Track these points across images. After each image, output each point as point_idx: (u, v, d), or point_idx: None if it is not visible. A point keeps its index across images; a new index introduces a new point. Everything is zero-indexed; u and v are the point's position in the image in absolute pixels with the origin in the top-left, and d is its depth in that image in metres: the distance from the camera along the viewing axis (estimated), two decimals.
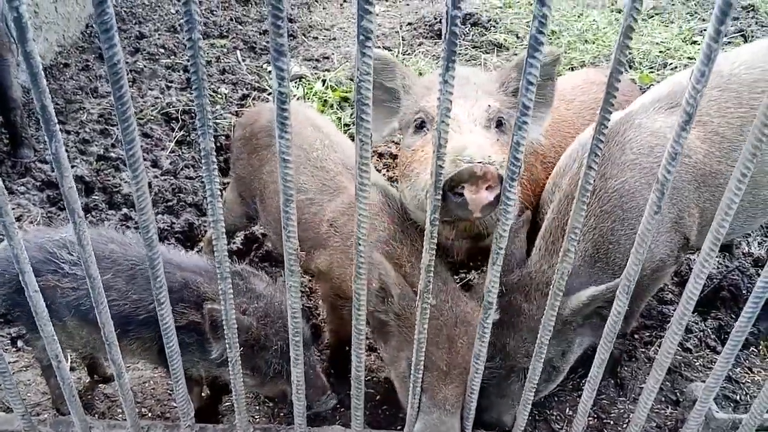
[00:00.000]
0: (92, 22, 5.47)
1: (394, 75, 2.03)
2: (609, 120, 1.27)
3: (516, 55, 5.34)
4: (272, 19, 1.14)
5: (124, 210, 3.35)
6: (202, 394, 2.29)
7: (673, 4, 6.55)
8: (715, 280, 2.93)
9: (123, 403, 1.80)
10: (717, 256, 3.09)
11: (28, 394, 2.34)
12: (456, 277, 3.08)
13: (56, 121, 1.28)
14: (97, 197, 3.44)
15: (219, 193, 1.36)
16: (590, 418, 2.34)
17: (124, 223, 3.26)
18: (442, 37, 1.17)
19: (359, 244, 1.42)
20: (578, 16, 6.21)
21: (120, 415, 2.29)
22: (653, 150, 2.05)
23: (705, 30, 6.09)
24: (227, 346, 1.66)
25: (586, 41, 5.56)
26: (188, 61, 1.21)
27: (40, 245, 1.99)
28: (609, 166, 2.04)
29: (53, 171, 3.63)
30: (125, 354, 2.04)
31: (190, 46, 1.19)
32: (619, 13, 6.33)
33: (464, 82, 1.89)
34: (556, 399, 2.40)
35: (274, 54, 1.17)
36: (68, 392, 1.77)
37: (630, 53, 5.17)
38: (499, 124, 1.87)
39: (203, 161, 1.33)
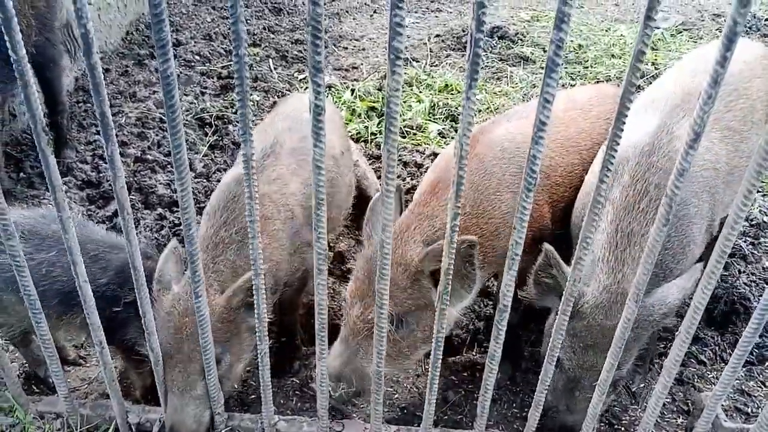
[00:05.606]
0: (132, 29, 5.70)
1: None
2: (620, 138, 1.36)
3: (542, 68, 5.41)
4: (311, 38, 1.26)
5: (159, 210, 3.51)
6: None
7: (702, 20, 6.56)
8: (732, 297, 2.96)
9: (158, 389, 1.92)
10: (742, 271, 3.12)
11: (68, 380, 2.48)
12: None
13: (113, 126, 1.42)
14: (133, 197, 3.60)
15: (257, 196, 1.48)
16: (602, 424, 2.40)
17: (159, 222, 3.41)
18: (467, 57, 1.28)
19: (383, 247, 1.52)
20: (605, 31, 6.26)
21: (152, 402, 2.41)
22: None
23: None
24: (257, 338, 1.77)
25: (612, 56, 5.61)
26: (234, 75, 1.33)
27: None
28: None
29: (93, 171, 3.81)
30: (68, 329, 2.18)
31: (236, 61, 1.32)
32: None
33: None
34: None
35: (312, 70, 1.29)
36: (108, 377, 1.91)
37: (657, 70, 5.22)
38: (400, 323, 1.99)
39: (243, 166, 1.45)
